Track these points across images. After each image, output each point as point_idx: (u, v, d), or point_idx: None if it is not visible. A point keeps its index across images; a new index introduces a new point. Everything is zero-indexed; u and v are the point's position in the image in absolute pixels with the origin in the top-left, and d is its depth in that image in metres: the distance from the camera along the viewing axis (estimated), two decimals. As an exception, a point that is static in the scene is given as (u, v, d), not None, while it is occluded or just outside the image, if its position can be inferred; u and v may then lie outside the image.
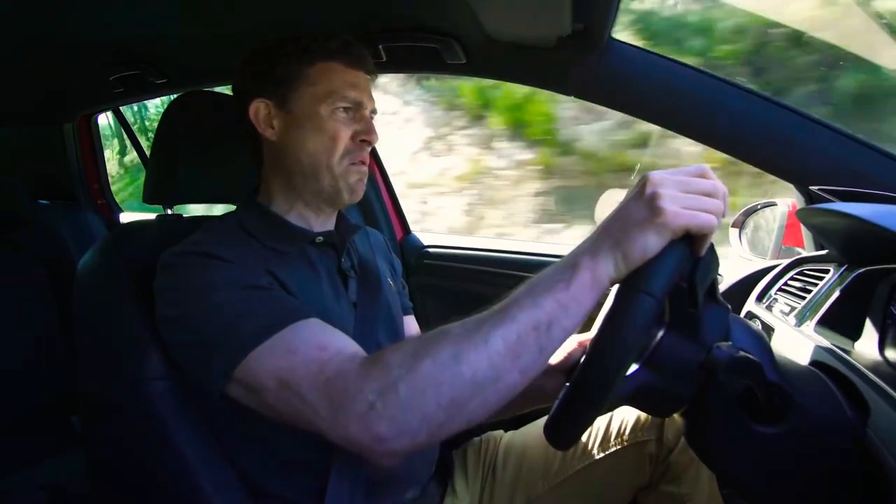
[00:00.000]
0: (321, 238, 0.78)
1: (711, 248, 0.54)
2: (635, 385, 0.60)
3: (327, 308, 0.73)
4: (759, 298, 0.92)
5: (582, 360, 0.52)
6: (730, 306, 0.59)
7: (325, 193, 0.76)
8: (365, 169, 0.78)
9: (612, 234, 0.50)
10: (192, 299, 0.64)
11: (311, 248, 0.77)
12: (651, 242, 0.49)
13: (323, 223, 0.81)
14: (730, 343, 0.52)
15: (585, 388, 0.52)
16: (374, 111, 0.79)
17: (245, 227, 0.75)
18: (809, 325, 0.72)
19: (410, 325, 0.95)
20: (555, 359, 0.81)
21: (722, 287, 1.04)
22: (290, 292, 0.69)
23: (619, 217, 0.51)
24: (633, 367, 0.59)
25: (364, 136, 0.76)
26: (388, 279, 0.90)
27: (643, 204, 0.49)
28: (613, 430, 0.85)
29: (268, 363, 0.59)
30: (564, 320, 0.50)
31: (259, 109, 0.76)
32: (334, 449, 0.69)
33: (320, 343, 0.59)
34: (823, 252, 0.84)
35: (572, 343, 0.81)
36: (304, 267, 0.75)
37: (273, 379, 0.58)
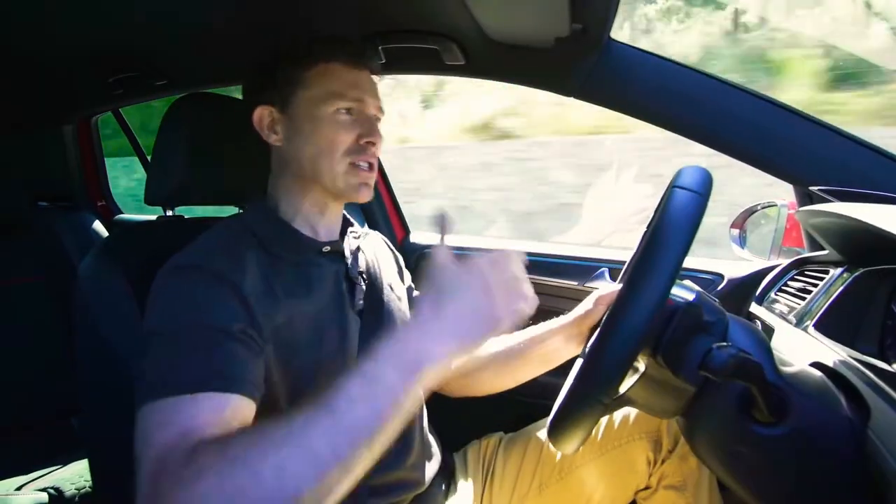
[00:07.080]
0: (328, 248, 0.77)
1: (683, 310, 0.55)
2: (633, 389, 0.60)
3: (325, 319, 0.73)
4: (760, 299, 0.92)
5: (579, 363, 0.52)
6: (726, 312, 0.59)
7: (331, 191, 0.76)
8: (369, 174, 0.76)
9: (456, 336, 0.49)
10: (157, 322, 0.61)
11: (318, 257, 0.77)
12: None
13: (328, 226, 0.80)
14: (729, 344, 0.52)
15: (584, 391, 0.52)
16: (379, 110, 0.79)
17: (254, 231, 0.74)
18: (809, 326, 0.72)
19: None
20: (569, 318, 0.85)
21: (722, 287, 1.04)
22: (278, 298, 0.67)
23: (464, 317, 0.50)
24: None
25: (367, 138, 0.75)
26: (397, 280, 0.90)
27: (486, 304, 0.50)
28: (613, 431, 0.85)
29: (141, 425, 0.54)
30: (395, 421, 0.47)
31: (263, 116, 0.76)
32: None
33: (187, 427, 0.52)
34: (823, 253, 0.84)
35: (588, 303, 0.83)
36: (306, 278, 0.73)
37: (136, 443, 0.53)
